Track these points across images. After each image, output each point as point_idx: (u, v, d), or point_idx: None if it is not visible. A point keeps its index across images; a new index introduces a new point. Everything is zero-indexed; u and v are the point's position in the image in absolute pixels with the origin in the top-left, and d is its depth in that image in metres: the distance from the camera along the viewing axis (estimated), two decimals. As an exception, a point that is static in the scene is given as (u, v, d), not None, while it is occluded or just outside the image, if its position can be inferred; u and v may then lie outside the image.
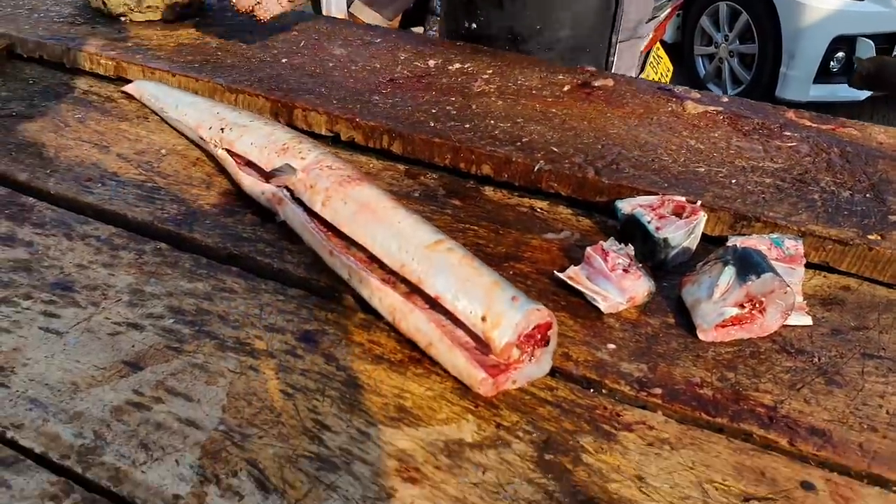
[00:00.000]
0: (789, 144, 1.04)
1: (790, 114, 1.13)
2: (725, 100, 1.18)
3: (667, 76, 2.76)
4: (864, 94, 3.98)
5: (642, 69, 2.25)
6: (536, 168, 0.95)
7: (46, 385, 0.66)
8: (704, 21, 4.51)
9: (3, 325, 0.73)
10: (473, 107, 1.11)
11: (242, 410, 0.65)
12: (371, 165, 1.03)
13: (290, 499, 0.57)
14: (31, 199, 0.93)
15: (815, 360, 0.72)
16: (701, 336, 0.74)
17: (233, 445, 0.61)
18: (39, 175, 0.97)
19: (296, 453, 0.61)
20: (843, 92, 3.90)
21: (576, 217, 0.93)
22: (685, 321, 0.77)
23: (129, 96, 1.18)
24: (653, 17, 1.68)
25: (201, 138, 0.99)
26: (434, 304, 0.72)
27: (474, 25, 1.42)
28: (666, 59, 2.79)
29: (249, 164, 0.93)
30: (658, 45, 2.62)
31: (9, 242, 0.84)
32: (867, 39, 3.79)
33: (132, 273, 0.81)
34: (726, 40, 4.38)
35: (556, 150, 0.99)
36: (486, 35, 1.41)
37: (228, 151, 0.95)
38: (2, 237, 0.85)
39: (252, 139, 0.92)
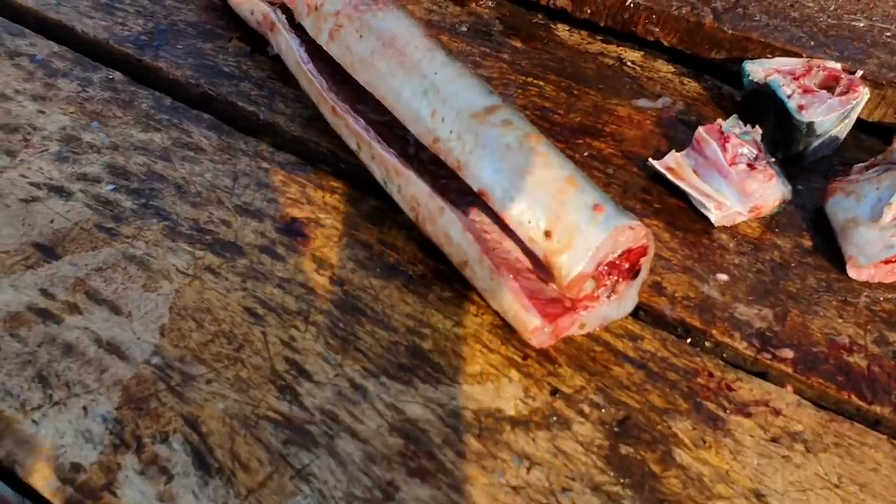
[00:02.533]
0: (982, -3, 0.75)
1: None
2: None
3: None
4: None
5: None
6: (630, 2, 0.69)
7: (-78, 271, 0.47)
8: None
9: None
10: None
11: (188, 335, 0.45)
12: (407, -16, 0.77)
13: (239, 487, 0.38)
14: (-47, -4, 0.70)
15: None
16: (852, 273, 0.52)
17: (167, 391, 0.42)
18: (-31, -36, 0.73)
19: (256, 413, 0.41)
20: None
21: (679, 78, 0.68)
22: (828, 247, 0.54)
23: None
24: None
25: (181, -72, 0.74)
26: (475, 199, 0.50)
27: None
28: None
29: (240, -30, 0.68)
30: None
31: (-88, 55, 0.62)
32: None
33: (70, 112, 0.59)
34: None
35: (659, -20, 0.72)
36: None
37: (213, -51, 0.70)
38: None
39: (242, -67, 0.66)
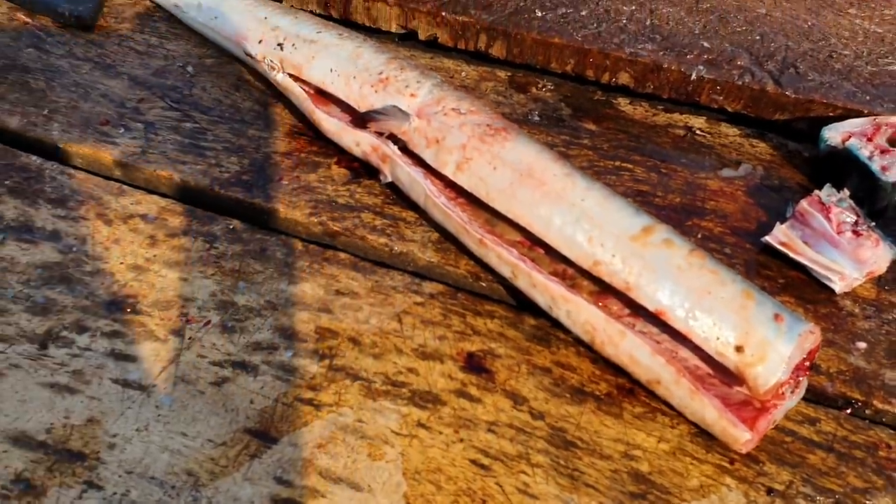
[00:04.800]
0: (983, 19, 0.83)
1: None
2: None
3: None
4: None
5: None
6: (694, 76, 0.74)
7: (153, 479, 0.48)
8: None
9: (60, 379, 0.53)
10: (577, -20, 0.86)
11: (433, 500, 0.48)
12: (464, 74, 0.80)
13: None
14: (33, 157, 0.69)
15: None
16: (967, 322, 0.59)
17: (439, 562, 0.45)
18: (36, 119, 0.72)
19: (528, 568, 0.45)
20: None
21: (748, 140, 0.73)
22: (935, 296, 0.61)
23: (120, -17, 0.89)
24: None
25: (248, 55, 0.74)
26: (635, 309, 0.54)
27: None
28: None
29: (327, 96, 0.69)
30: None
31: (27, 236, 0.62)
32: None
33: (211, 275, 0.60)
34: None
35: (707, 45, 0.77)
36: None
37: (293, 77, 0.71)
38: (14, 228, 0.63)
39: (331, 63, 0.68)
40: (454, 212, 0.60)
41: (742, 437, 0.49)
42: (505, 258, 0.57)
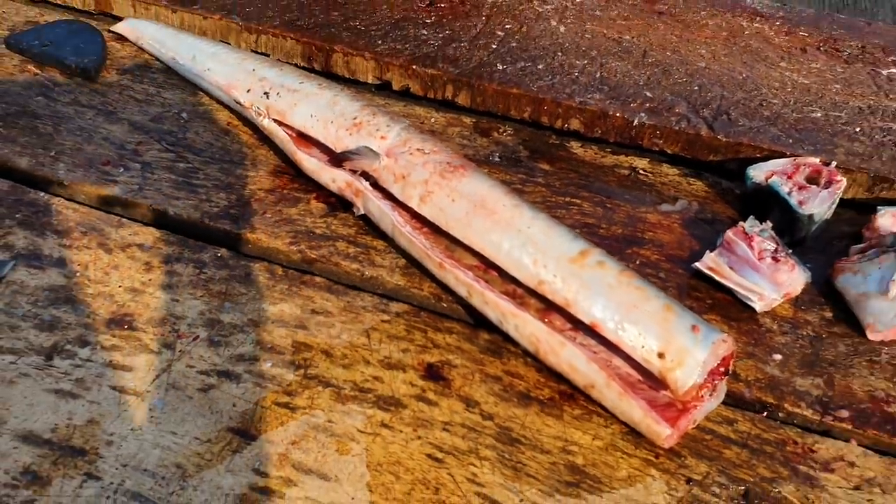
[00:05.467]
0: (898, 72, 0.93)
1: (890, 31, 1.01)
2: (810, 14, 1.05)
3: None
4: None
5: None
6: (636, 122, 0.82)
7: (146, 471, 0.55)
8: None
9: (65, 386, 0.60)
10: (536, 37, 0.95)
11: (392, 487, 0.54)
12: (433, 120, 0.88)
13: None
14: (41, 194, 0.76)
15: None
16: (871, 336, 0.66)
17: (396, 540, 0.52)
18: (44, 159, 0.80)
19: (474, 545, 0.52)
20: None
21: (686, 180, 0.82)
22: (844, 315, 0.68)
23: (122, 38, 0.98)
24: None
25: (238, 102, 0.83)
26: (577, 324, 0.62)
27: None
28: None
29: (307, 138, 0.78)
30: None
31: (35, 262, 0.69)
32: None
33: (199, 296, 0.67)
34: None
35: (649, 95, 0.86)
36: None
37: (277, 122, 0.79)
38: (24, 255, 0.70)
39: (311, 109, 0.76)
40: (418, 239, 0.68)
41: (664, 433, 0.56)
42: (461, 279, 0.65)
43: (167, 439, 0.57)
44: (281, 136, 0.78)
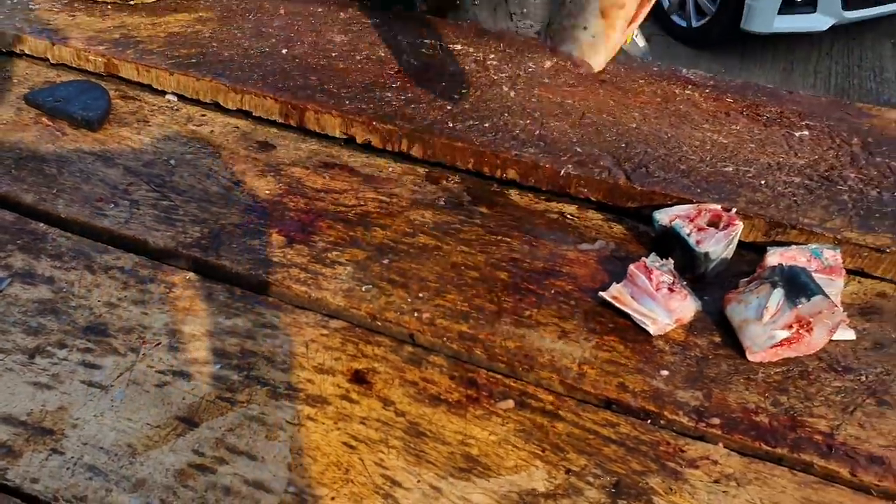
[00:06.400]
0: (810, 136, 1.03)
1: (808, 99, 1.12)
2: (738, 83, 1.16)
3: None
4: (827, 25, 3.97)
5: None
6: (563, 172, 0.93)
7: (102, 449, 0.65)
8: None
9: (42, 379, 0.70)
10: (488, 100, 1.08)
11: (309, 468, 0.64)
12: (390, 169, 1.00)
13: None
14: (41, 224, 0.88)
15: (863, 378, 0.74)
16: (750, 357, 0.75)
17: (308, 509, 0.61)
18: (46, 196, 0.92)
19: (372, 515, 0.60)
20: (805, 23, 3.88)
21: (607, 223, 0.92)
22: (731, 339, 0.77)
23: (125, 97, 1.12)
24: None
25: (215, 151, 0.95)
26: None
27: None
28: None
29: (271, 181, 0.89)
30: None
31: (29, 279, 0.81)
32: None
33: (166, 311, 0.78)
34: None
35: (580, 150, 0.97)
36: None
37: (247, 167, 0.91)
38: (21, 273, 0.81)
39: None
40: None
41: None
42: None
43: (123, 424, 0.67)
44: (249, 179, 0.90)
